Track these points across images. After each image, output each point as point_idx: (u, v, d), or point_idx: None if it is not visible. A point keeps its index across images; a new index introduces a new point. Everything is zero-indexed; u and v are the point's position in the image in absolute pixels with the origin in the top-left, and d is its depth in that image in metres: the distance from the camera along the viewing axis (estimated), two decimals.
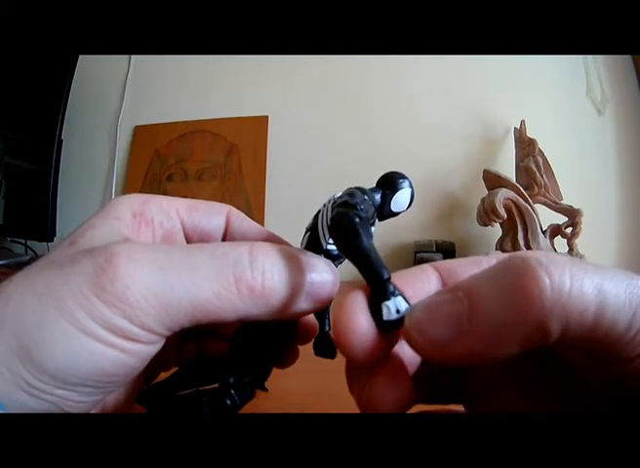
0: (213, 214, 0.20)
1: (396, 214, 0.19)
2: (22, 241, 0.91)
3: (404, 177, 0.19)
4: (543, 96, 0.90)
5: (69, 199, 0.93)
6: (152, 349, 0.14)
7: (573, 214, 0.76)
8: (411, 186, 0.19)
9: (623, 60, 0.93)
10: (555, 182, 0.80)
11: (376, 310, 0.13)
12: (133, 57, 0.97)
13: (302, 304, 0.15)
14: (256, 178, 0.88)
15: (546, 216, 0.78)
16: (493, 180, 0.77)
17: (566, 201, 0.80)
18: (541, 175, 0.78)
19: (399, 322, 0.13)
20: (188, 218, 0.19)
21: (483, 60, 0.87)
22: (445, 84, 0.90)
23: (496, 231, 0.79)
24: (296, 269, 0.15)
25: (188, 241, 0.20)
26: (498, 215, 0.72)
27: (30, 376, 0.13)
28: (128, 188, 0.93)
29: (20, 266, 0.86)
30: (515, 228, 0.74)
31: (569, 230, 0.76)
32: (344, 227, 0.14)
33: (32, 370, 0.13)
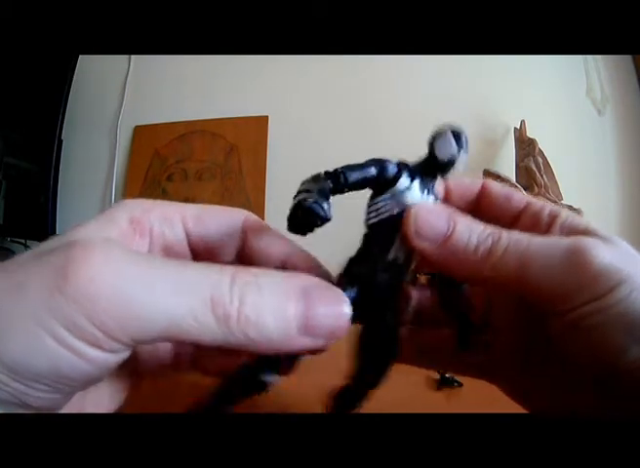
0: (225, 226, 0.18)
1: (447, 162, 0.18)
2: (22, 241, 0.91)
3: (446, 128, 0.18)
4: (543, 96, 0.90)
5: (69, 199, 0.93)
6: (113, 359, 0.13)
7: None
8: (454, 129, 0.18)
9: (623, 60, 0.93)
10: (555, 182, 0.80)
11: None
12: (133, 57, 0.97)
13: (300, 339, 0.13)
14: (256, 178, 0.88)
15: None
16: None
17: (566, 201, 0.80)
18: (541, 175, 0.78)
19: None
20: (195, 229, 0.18)
21: (483, 60, 0.87)
22: (445, 84, 0.90)
23: None
24: (289, 299, 0.13)
25: (195, 253, 0.18)
26: None
27: None
28: (128, 188, 0.93)
29: None
30: None
31: None
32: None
33: None
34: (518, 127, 0.83)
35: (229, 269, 0.13)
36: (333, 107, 0.91)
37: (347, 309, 0.14)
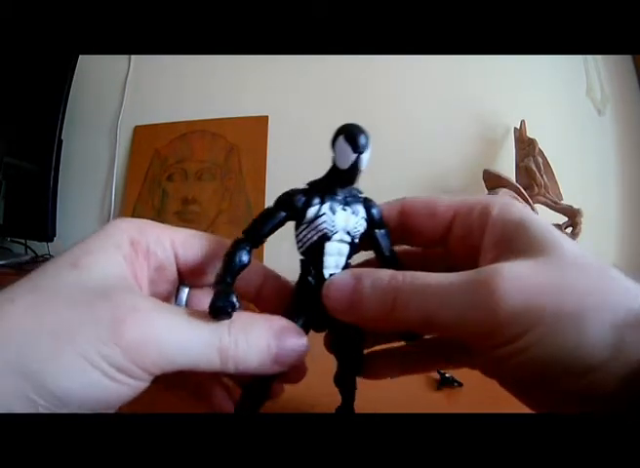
0: (209, 253, 0.20)
1: (349, 170, 0.18)
2: (22, 241, 0.91)
3: (340, 131, 0.18)
4: (543, 96, 0.90)
5: (69, 199, 0.93)
6: (147, 383, 0.16)
7: (573, 214, 0.76)
8: (348, 132, 0.18)
9: (623, 60, 0.93)
10: (555, 182, 0.80)
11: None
12: (133, 57, 0.97)
13: (272, 367, 0.18)
14: (256, 178, 0.88)
15: (546, 216, 0.77)
16: (493, 180, 0.77)
17: (566, 201, 0.80)
18: (541, 175, 0.78)
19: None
20: (183, 253, 0.20)
21: (482, 60, 0.87)
22: (445, 84, 0.90)
23: None
24: (266, 342, 0.17)
25: (181, 274, 0.21)
26: None
27: (38, 397, 0.14)
28: (128, 188, 0.93)
29: (19, 266, 0.85)
30: None
31: (569, 230, 0.76)
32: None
33: (42, 393, 0.14)
34: (518, 127, 0.83)
35: (227, 321, 0.17)
36: (333, 107, 0.91)
37: (305, 344, 0.18)
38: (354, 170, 0.18)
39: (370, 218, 0.20)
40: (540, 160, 0.78)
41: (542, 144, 0.79)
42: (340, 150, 0.18)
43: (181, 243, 0.20)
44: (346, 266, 0.20)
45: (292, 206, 0.19)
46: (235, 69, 0.93)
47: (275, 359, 0.18)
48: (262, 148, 0.89)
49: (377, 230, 0.21)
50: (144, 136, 0.95)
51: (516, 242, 0.17)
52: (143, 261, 0.19)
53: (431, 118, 0.89)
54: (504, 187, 0.75)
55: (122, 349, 0.15)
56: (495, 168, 0.79)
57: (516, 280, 0.15)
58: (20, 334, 0.14)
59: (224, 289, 0.17)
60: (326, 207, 0.19)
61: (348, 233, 0.19)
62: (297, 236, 0.20)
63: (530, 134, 0.81)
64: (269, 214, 0.19)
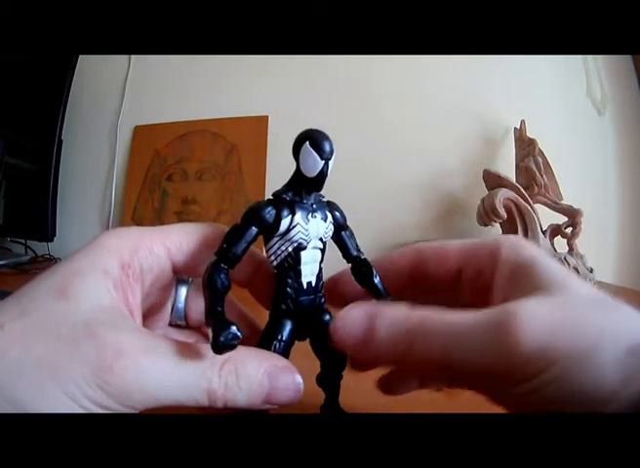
0: (206, 249, 0.20)
1: (316, 178, 0.18)
2: (22, 241, 0.91)
3: (304, 137, 0.18)
4: (543, 96, 0.90)
5: (69, 199, 0.93)
6: None
7: (573, 214, 0.76)
8: (313, 138, 0.18)
9: (623, 60, 0.93)
10: (555, 182, 0.80)
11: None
12: (133, 57, 0.97)
13: (263, 406, 0.18)
14: (256, 178, 0.88)
15: (546, 216, 0.78)
16: (493, 180, 0.77)
17: (566, 201, 0.80)
18: (541, 175, 0.78)
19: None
20: (181, 258, 0.20)
21: (482, 60, 0.87)
22: (445, 84, 0.90)
23: (496, 231, 0.79)
24: (257, 382, 0.17)
25: (179, 272, 0.21)
26: (498, 215, 0.72)
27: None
28: (128, 188, 0.93)
29: (19, 266, 0.85)
30: (515, 228, 0.74)
31: (569, 230, 0.76)
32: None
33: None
34: (518, 127, 0.83)
35: (218, 362, 0.17)
36: (333, 107, 0.91)
37: (299, 382, 0.18)
38: (322, 177, 0.18)
39: (335, 221, 0.20)
40: (539, 160, 0.78)
41: (542, 144, 0.79)
42: (306, 157, 0.18)
43: (177, 248, 0.20)
44: (319, 271, 0.20)
45: (262, 220, 0.18)
46: (235, 69, 0.93)
47: (267, 399, 0.18)
48: (262, 148, 0.89)
49: (343, 232, 0.21)
50: (144, 136, 0.95)
51: (527, 280, 0.17)
52: (135, 284, 0.19)
53: (431, 118, 0.89)
54: (504, 187, 0.75)
55: (107, 393, 0.15)
56: (495, 168, 0.79)
57: (533, 320, 0.15)
58: (5, 361, 0.14)
59: (221, 320, 0.16)
60: (298, 217, 0.18)
61: (320, 239, 0.19)
62: (269, 249, 0.19)
63: (530, 134, 0.81)
64: (240, 231, 0.18)
